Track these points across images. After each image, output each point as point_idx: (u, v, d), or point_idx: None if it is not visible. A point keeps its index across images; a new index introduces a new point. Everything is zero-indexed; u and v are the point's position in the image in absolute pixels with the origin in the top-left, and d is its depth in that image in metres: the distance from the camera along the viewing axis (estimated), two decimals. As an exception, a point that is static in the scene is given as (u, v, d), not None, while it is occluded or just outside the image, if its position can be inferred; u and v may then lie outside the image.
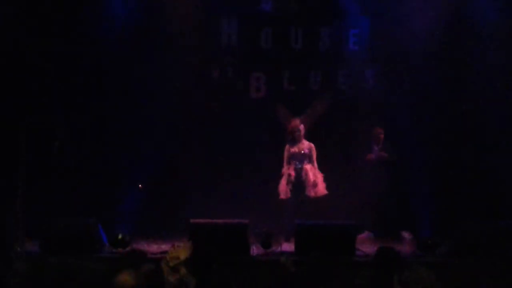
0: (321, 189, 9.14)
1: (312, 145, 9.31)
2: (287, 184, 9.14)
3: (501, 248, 7.43)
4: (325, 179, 9.24)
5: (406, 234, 9.42)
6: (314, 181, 9.11)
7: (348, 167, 10.25)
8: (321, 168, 9.45)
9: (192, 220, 7.93)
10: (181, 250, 5.33)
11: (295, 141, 9.25)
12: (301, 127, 9.30)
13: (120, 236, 8.01)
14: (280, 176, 9.29)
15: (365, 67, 10.71)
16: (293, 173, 9.15)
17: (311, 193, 9.10)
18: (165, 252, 7.71)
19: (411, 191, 9.86)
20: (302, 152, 9.21)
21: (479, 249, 7.43)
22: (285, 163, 9.28)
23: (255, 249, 7.88)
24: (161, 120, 10.36)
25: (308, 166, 9.17)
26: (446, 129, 10.23)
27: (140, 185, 10.10)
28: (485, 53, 10.08)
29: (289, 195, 9.14)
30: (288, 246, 8.04)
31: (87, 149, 10.21)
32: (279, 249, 7.89)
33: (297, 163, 9.19)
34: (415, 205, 9.75)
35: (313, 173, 9.15)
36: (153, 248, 7.93)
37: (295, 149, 9.23)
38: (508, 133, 9.99)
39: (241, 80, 10.89)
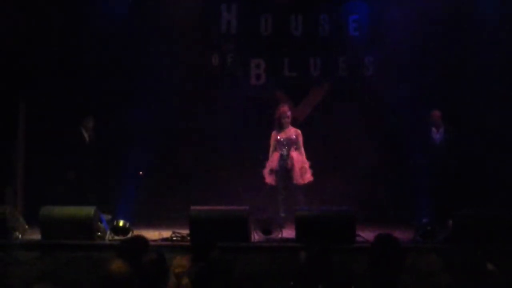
0: (308, 176, 9.07)
1: (299, 131, 9.22)
2: (271, 172, 9.10)
3: (498, 235, 7.43)
4: (312, 166, 9.15)
5: None
6: (302, 168, 9.04)
7: (345, 154, 10.28)
8: (318, 154, 9.44)
9: (192, 207, 7.92)
10: (185, 260, 5.31)
11: (282, 127, 9.14)
12: (289, 113, 9.21)
13: (121, 223, 8.03)
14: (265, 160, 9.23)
15: (365, 54, 10.69)
16: (276, 162, 9.07)
17: (299, 180, 9.03)
18: (166, 239, 7.78)
19: (410, 178, 9.85)
20: (290, 138, 9.12)
21: (477, 236, 7.42)
22: (271, 150, 9.18)
23: (256, 236, 7.89)
24: (161, 107, 10.36)
25: (295, 154, 9.08)
26: (445, 116, 10.19)
27: (140, 172, 10.11)
28: (488, 39, 10.02)
29: (273, 182, 9.10)
30: (289, 233, 8.04)
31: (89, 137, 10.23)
32: (279, 235, 7.90)
33: (284, 150, 9.10)
34: (414, 192, 9.74)
35: (300, 160, 9.07)
36: (154, 235, 7.92)
37: (282, 135, 9.14)
38: (506, 121, 9.96)
39: (241, 67, 10.87)
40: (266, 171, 9.19)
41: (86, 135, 10.06)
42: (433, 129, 9.82)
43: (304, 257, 5.60)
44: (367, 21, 10.63)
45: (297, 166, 9.03)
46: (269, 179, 9.17)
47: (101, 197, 9.49)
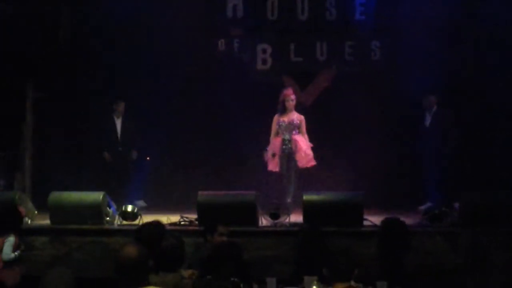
0: (311, 159, 8.83)
1: (302, 117, 8.95)
2: (273, 156, 8.82)
3: (506, 219, 7.43)
4: (319, 151, 8.94)
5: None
6: (306, 152, 8.78)
7: (352, 139, 10.29)
8: (324, 139, 9.42)
9: (200, 192, 7.96)
10: None
11: (285, 110, 8.87)
12: (293, 96, 8.94)
13: (129, 209, 8.07)
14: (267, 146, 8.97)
15: (372, 38, 10.66)
16: (278, 147, 8.82)
17: (304, 164, 8.78)
18: (174, 223, 7.82)
19: (419, 162, 9.85)
20: (292, 122, 8.86)
21: (484, 220, 7.43)
22: (272, 134, 8.92)
23: (264, 220, 7.92)
24: (168, 93, 10.37)
25: (298, 137, 8.83)
26: (453, 99, 10.17)
27: (148, 158, 10.15)
28: (496, 20, 9.95)
29: (275, 168, 8.84)
30: (297, 217, 8.07)
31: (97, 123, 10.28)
32: (287, 220, 7.92)
33: (286, 134, 8.85)
34: (423, 175, 9.75)
35: (304, 143, 8.83)
36: (162, 219, 7.93)
37: (284, 119, 8.87)
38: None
39: (247, 52, 10.86)
40: (268, 156, 8.93)
41: (117, 121, 10.06)
42: (427, 113, 9.84)
43: (298, 240, 5.67)
44: (374, 5, 10.59)
45: (301, 149, 8.79)
46: (271, 166, 8.89)
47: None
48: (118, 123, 10.04)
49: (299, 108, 9.17)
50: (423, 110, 9.88)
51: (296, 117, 8.91)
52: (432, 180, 9.59)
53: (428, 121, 9.82)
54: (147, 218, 7.23)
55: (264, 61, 10.88)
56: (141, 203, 9.58)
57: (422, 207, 9.12)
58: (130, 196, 9.47)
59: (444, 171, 9.52)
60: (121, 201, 8.68)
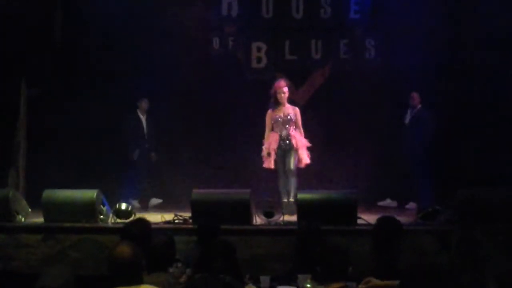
0: (306, 159, 8.62)
1: (297, 109, 8.65)
2: (269, 154, 8.57)
3: (502, 215, 7.42)
4: (313, 149, 8.73)
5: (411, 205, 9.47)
6: (304, 150, 8.58)
7: (346, 137, 10.29)
8: (319, 138, 9.37)
9: (194, 190, 7.94)
10: None
11: (278, 104, 8.56)
12: (285, 89, 8.63)
13: (123, 207, 8.05)
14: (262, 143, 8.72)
15: (366, 36, 10.67)
16: (275, 144, 8.56)
17: (300, 163, 8.58)
18: (168, 221, 7.81)
19: (412, 160, 9.86)
20: (288, 116, 8.58)
21: (480, 217, 7.42)
22: (267, 130, 8.62)
23: (258, 219, 7.91)
24: (163, 92, 10.35)
25: (297, 134, 8.59)
26: (448, 98, 10.19)
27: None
28: (491, 16, 9.95)
29: (271, 165, 8.59)
30: (290, 216, 8.06)
31: (91, 120, 10.25)
32: (281, 219, 7.91)
33: (283, 129, 8.57)
34: (416, 173, 9.75)
35: (303, 142, 8.60)
36: (156, 218, 7.94)
37: (279, 114, 8.57)
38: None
39: (242, 50, 10.86)
40: (264, 154, 8.67)
41: (143, 118, 10.08)
42: (409, 110, 9.88)
43: (296, 238, 5.66)
44: (369, 3, 10.61)
45: (300, 148, 8.58)
46: (267, 163, 8.65)
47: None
48: (143, 120, 10.11)
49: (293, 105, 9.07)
50: (406, 108, 9.90)
51: (291, 110, 8.65)
52: (417, 178, 9.62)
53: (408, 119, 9.86)
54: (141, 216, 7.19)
55: (259, 59, 10.88)
56: (135, 203, 9.58)
57: (407, 206, 9.23)
58: (126, 195, 9.47)
59: (427, 169, 9.55)
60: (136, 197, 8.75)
